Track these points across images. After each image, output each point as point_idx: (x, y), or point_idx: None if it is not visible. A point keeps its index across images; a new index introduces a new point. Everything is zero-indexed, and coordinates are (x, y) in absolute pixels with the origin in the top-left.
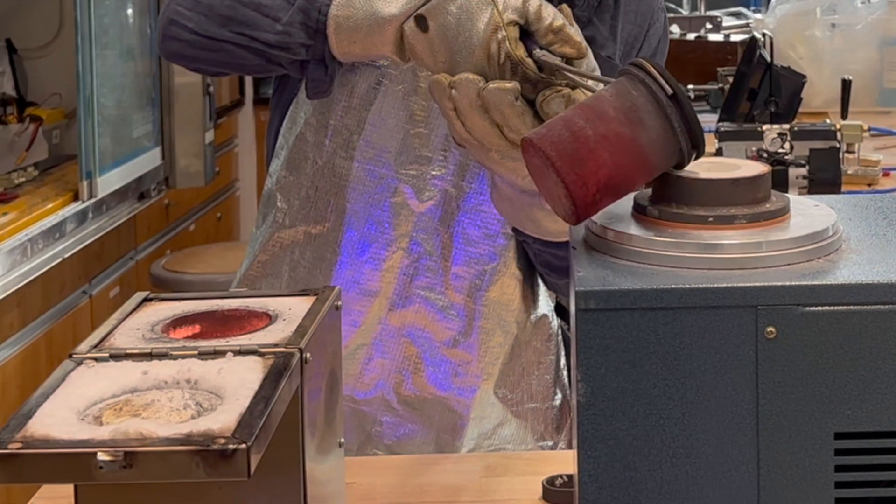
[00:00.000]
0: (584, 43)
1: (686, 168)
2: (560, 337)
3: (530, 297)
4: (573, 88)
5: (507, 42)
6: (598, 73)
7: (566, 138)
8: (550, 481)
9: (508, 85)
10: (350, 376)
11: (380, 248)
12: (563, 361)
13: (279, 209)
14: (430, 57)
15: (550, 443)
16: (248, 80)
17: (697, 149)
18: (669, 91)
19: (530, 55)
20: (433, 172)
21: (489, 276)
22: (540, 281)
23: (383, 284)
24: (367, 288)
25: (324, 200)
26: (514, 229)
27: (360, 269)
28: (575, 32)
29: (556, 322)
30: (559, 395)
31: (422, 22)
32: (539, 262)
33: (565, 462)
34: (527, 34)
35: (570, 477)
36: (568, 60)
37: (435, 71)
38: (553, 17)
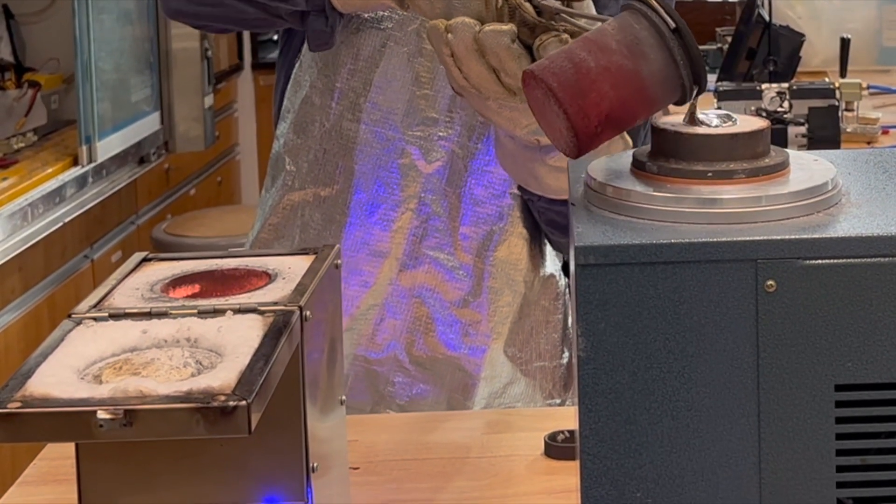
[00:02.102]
0: None
1: (686, 122)
2: (567, 296)
3: (538, 257)
4: (572, 35)
5: None
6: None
7: (568, 69)
8: (552, 437)
9: (505, 27)
10: (363, 336)
11: (389, 210)
12: (570, 320)
13: (288, 172)
14: (428, 3)
15: (558, 400)
16: (247, 45)
17: (699, 84)
18: (672, 25)
19: (529, 0)
20: (440, 134)
21: (497, 236)
22: (547, 240)
23: (393, 245)
24: (377, 249)
25: (332, 163)
26: (519, 187)
27: (369, 231)
28: None
29: (563, 281)
30: (566, 354)
31: None
32: (543, 221)
33: (567, 418)
34: None
35: (571, 432)
36: (568, 5)
37: (432, 18)
38: None
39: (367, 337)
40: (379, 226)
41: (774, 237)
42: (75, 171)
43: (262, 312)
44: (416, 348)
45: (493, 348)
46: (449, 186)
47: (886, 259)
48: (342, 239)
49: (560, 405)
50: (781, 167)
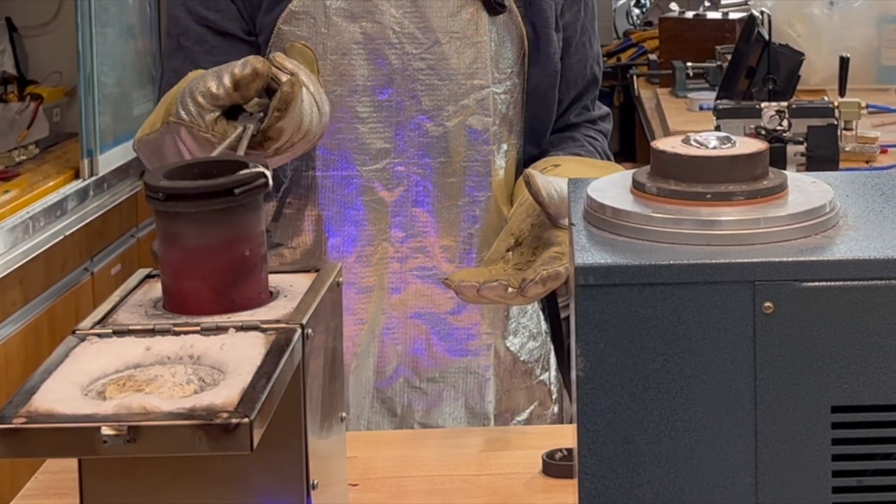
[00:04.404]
0: (257, 64)
1: (685, 144)
2: None
3: None
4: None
5: (221, 136)
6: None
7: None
8: (550, 455)
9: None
10: (369, 369)
11: (364, 245)
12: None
13: None
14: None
15: (546, 375)
16: None
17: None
18: (161, 196)
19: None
20: (395, 161)
21: (476, 239)
22: None
23: (377, 277)
24: (363, 285)
25: (299, 215)
26: None
27: (351, 270)
28: (242, 70)
29: None
30: (543, 329)
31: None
32: None
33: (565, 436)
34: (239, 107)
35: (569, 451)
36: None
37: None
38: (222, 82)
39: (374, 369)
40: (359, 263)
41: (772, 259)
42: (76, 185)
43: (264, 330)
44: (423, 366)
45: (496, 344)
46: (416, 207)
47: (883, 282)
48: None
49: (547, 381)
50: (780, 189)
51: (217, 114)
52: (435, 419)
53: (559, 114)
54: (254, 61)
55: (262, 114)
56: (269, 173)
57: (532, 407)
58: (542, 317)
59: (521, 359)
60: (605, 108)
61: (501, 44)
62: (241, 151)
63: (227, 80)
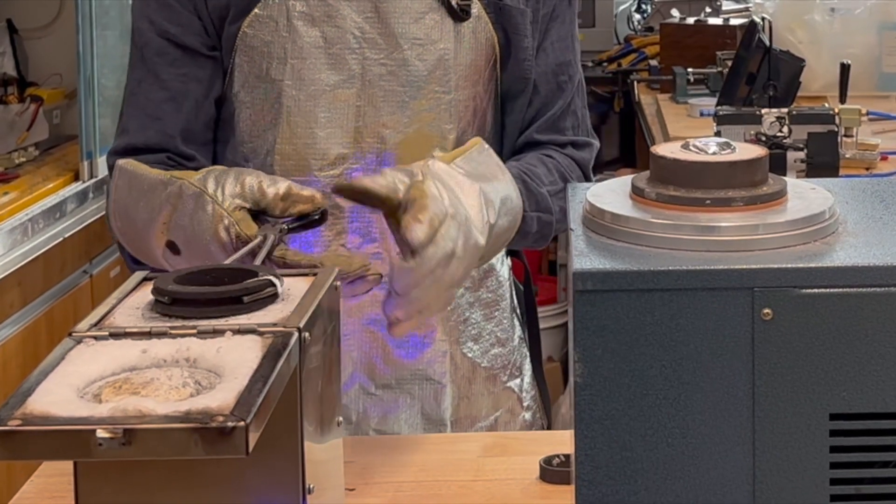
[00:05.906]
0: (317, 194)
1: (684, 150)
2: (510, 281)
3: None
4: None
5: (235, 225)
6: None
7: None
8: (547, 461)
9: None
10: None
11: (320, 250)
12: (514, 303)
13: None
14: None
15: (517, 381)
16: None
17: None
18: (167, 300)
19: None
20: (353, 167)
21: None
22: None
23: None
24: None
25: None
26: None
27: None
28: (301, 189)
29: (505, 268)
30: (516, 335)
31: (172, 246)
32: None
33: (563, 442)
34: (263, 212)
35: (567, 457)
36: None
37: None
38: (276, 186)
39: None
40: None
41: (771, 266)
42: (76, 187)
43: (261, 333)
44: (379, 373)
45: (452, 350)
46: (374, 213)
47: (882, 289)
48: None
49: (519, 388)
50: (779, 195)
51: (245, 206)
52: (391, 426)
53: (522, 127)
54: (316, 192)
55: (284, 225)
56: (278, 282)
57: (497, 413)
58: (516, 324)
59: (483, 365)
60: (588, 140)
61: (468, 50)
62: (258, 260)
63: (281, 187)
